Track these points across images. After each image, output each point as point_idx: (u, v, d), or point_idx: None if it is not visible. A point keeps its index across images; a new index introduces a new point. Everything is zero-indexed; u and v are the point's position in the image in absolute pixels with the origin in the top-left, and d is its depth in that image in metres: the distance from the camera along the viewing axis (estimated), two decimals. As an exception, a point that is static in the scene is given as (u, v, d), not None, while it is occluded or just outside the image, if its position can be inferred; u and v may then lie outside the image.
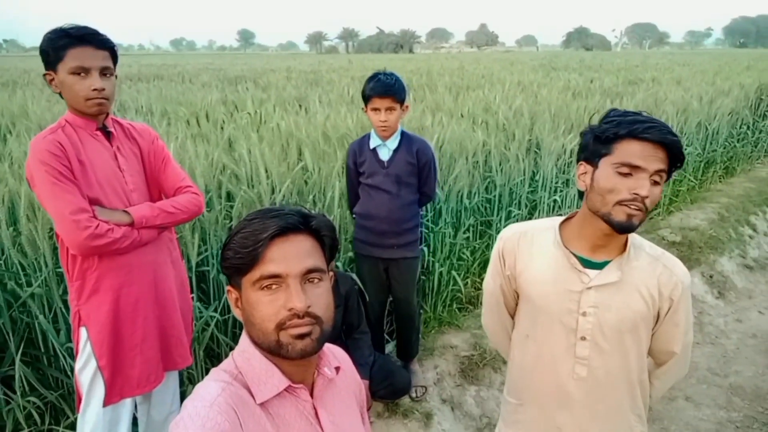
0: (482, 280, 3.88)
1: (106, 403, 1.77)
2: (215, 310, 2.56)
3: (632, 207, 1.21)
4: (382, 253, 2.59)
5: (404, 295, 2.71)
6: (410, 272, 2.67)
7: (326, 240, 0.97)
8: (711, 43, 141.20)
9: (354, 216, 2.69)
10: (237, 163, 3.04)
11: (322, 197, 2.91)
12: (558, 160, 4.23)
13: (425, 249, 3.34)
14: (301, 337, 0.89)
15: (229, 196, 2.85)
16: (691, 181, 5.94)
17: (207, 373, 2.45)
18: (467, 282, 3.65)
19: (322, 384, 1.00)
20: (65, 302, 2.28)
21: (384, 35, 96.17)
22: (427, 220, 3.42)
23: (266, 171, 2.78)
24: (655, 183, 1.22)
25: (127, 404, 1.85)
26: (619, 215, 1.23)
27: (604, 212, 1.26)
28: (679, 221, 5.16)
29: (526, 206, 4.11)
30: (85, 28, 1.69)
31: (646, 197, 1.20)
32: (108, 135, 1.80)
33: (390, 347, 3.06)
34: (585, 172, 1.32)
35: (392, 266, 2.64)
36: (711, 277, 4.55)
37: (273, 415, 0.92)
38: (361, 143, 2.60)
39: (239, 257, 0.91)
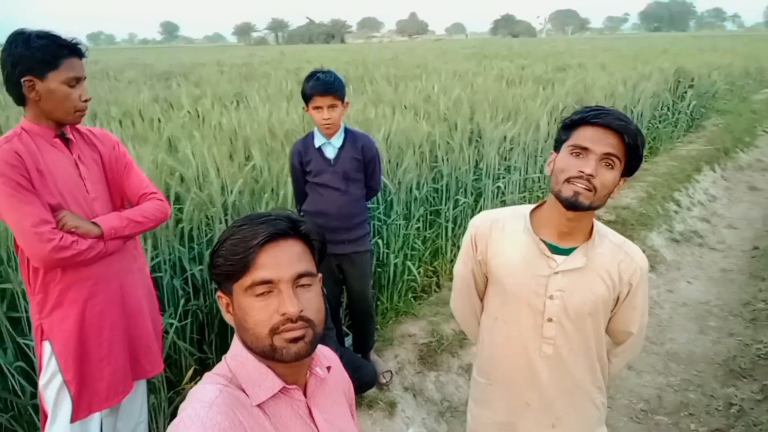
0: (434, 268, 4.01)
1: (74, 419, 1.71)
2: (171, 317, 2.50)
3: (578, 184, 1.30)
4: (335, 249, 2.61)
5: (359, 288, 2.76)
6: (363, 266, 2.72)
7: (315, 244, 0.99)
8: (628, 28, 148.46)
9: (303, 215, 2.71)
10: (183, 164, 2.96)
11: (275, 196, 2.88)
12: (499, 147, 4.37)
13: (380, 241, 3.39)
14: (295, 340, 0.91)
15: (178, 199, 2.77)
16: (621, 162, 6.27)
17: (168, 383, 2.43)
18: (420, 271, 3.73)
19: (314, 384, 1.02)
20: (10, 319, 2.17)
21: (314, 25, 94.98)
22: (379, 213, 3.46)
23: (216, 171, 2.72)
24: (608, 166, 1.31)
25: (95, 418, 1.80)
26: (567, 191, 1.32)
27: (557, 190, 1.35)
28: (613, 201, 5.45)
29: (472, 194, 4.22)
30: (68, 38, 1.67)
31: (591, 175, 1.29)
32: (67, 142, 1.73)
33: (348, 341, 3.10)
34: (551, 160, 1.42)
35: (345, 261, 2.67)
36: (643, 251, 4.85)
37: (270, 416, 0.94)
38: (305, 143, 2.61)
39: (230, 264, 0.92)
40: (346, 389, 1.16)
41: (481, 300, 1.67)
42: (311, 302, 0.94)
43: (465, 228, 4.16)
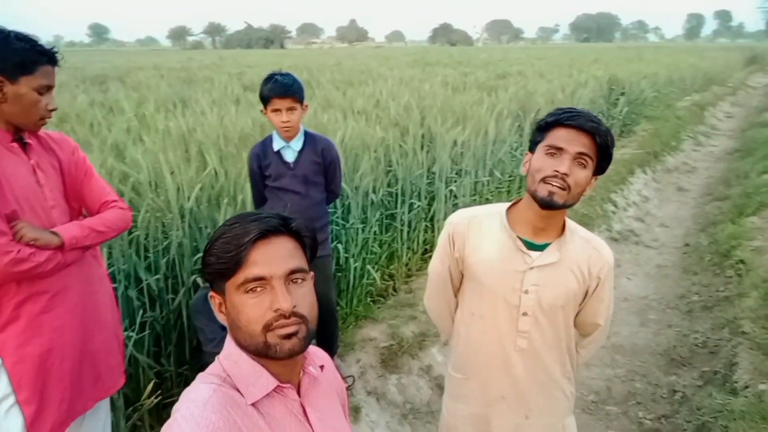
0: (391, 272, 4.04)
1: (30, 442, 1.61)
2: (127, 329, 2.41)
3: (553, 184, 1.37)
4: None
5: (323, 292, 2.69)
6: (325, 269, 2.70)
7: (306, 241, 1.00)
8: (559, 38, 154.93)
9: None
10: (134, 170, 2.86)
11: (233, 202, 2.83)
12: (451, 152, 4.46)
13: (339, 246, 3.38)
14: (288, 336, 0.91)
15: (131, 206, 2.67)
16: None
17: (128, 399, 2.33)
18: (377, 275, 3.75)
19: (308, 383, 1.02)
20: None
21: (253, 30, 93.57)
22: (338, 217, 3.45)
23: (172, 176, 2.64)
24: (581, 165, 1.38)
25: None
26: (542, 191, 1.38)
27: (533, 190, 1.41)
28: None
29: (426, 198, 4.29)
30: (46, 45, 1.61)
31: (566, 174, 1.36)
32: (24, 147, 1.64)
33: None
34: (527, 160, 1.48)
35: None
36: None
37: (264, 415, 0.94)
38: (264, 146, 2.58)
39: (222, 262, 0.92)
40: (338, 388, 1.17)
41: (456, 297, 1.72)
42: (304, 298, 0.94)
43: (419, 231, 4.25)
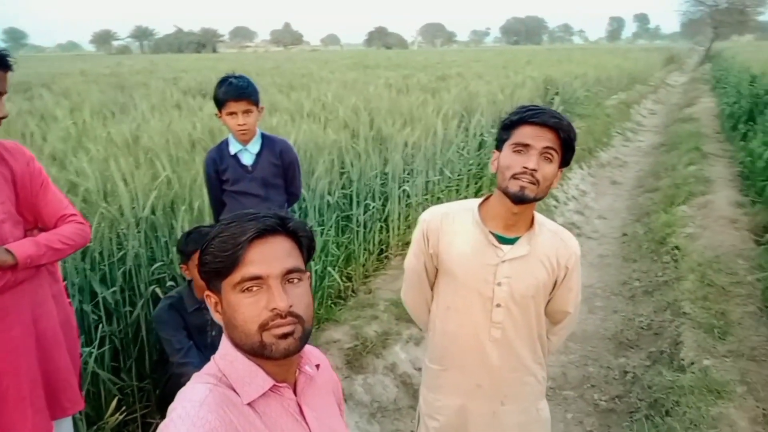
0: (348, 273, 4.04)
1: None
2: (85, 345, 2.30)
3: (523, 179, 1.43)
4: None
5: None
6: None
7: (304, 241, 0.99)
8: (490, 41, 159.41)
9: None
10: (81, 179, 2.73)
11: (190, 209, 2.76)
12: (403, 153, 4.52)
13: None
14: (284, 336, 0.91)
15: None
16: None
17: (89, 418, 2.22)
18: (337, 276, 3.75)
19: (304, 382, 1.02)
20: None
21: (183, 34, 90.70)
22: (296, 221, 3.42)
23: (125, 183, 2.54)
24: (547, 159, 1.44)
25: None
26: (513, 187, 1.44)
27: (504, 186, 1.47)
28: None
29: (380, 199, 4.33)
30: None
31: (534, 170, 1.42)
32: None
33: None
34: (495, 158, 1.53)
35: None
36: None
37: (261, 414, 0.93)
38: (220, 150, 2.54)
39: (219, 261, 0.92)
40: (334, 387, 1.17)
41: (431, 290, 1.76)
42: (300, 298, 0.94)
43: (375, 232, 4.28)
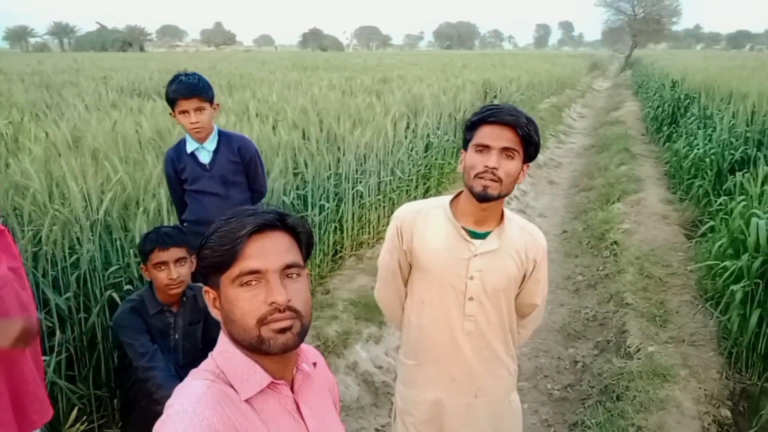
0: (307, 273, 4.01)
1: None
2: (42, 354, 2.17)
3: (486, 178, 1.48)
4: None
5: None
6: None
7: (302, 237, 1.00)
8: (424, 45, 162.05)
9: (184, 224, 2.57)
10: (26, 179, 2.57)
11: (145, 209, 2.66)
12: (355, 153, 4.54)
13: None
14: (283, 331, 0.91)
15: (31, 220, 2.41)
16: (450, 164, 6.91)
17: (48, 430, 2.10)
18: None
19: (301, 379, 1.02)
20: None
21: (107, 31, 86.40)
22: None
23: (76, 185, 2.42)
24: (509, 157, 1.49)
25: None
26: (477, 186, 1.49)
27: (469, 186, 1.52)
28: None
29: (334, 199, 4.32)
30: None
31: (495, 168, 1.47)
32: None
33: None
34: (462, 159, 1.58)
35: None
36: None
37: (258, 411, 0.93)
38: (178, 149, 2.49)
39: (218, 255, 0.92)
40: (330, 386, 1.17)
41: (405, 287, 1.78)
42: (299, 293, 0.94)
43: (329, 233, 4.27)
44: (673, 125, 8.26)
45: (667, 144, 7.80)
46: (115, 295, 2.44)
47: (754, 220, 2.73)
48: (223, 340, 0.97)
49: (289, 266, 0.94)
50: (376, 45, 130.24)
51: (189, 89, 2.31)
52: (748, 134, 4.78)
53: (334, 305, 3.72)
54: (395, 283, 1.76)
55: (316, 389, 1.07)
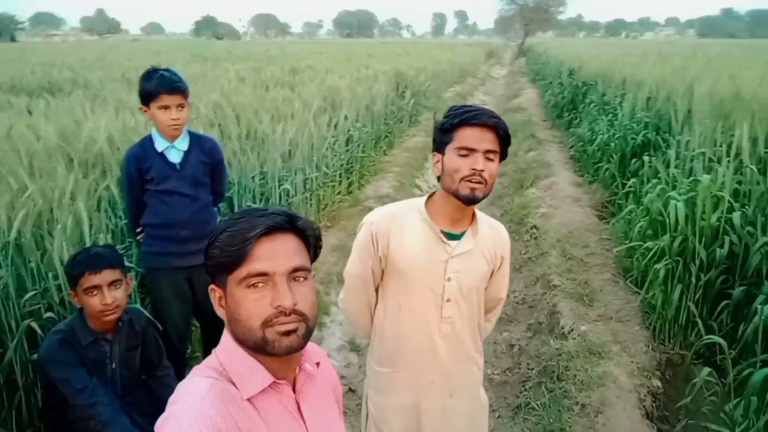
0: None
1: None
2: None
3: (473, 181, 1.48)
4: (186, 262, 2.41)
5: (211, 307, 2.58)
6: None
7: (311, 240, 1.00)
8: (324, 34, 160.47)
9: (141, 229, 2.47)
10: None
11: (62, 226, 2.39)
12: (281, 149, 4.39)
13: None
14: (287, 333, 0.92)
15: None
16: (371, 157, 6.90)
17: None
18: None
19: (303, 379, 1.02)
20: None
21: (-30, 19, 77.46)
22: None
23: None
24: (490, 160, 1.50)
25: None
26: (464, 190, 1.48)
27: (454, 189, 1.50)
28: (374, 191, 5.98)
29: (260, 200, 4.16)
30: None
31: (482, 171, 1.47)
32: None
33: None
34: (438, 161, 1.56)
35: (196, 274, 2.47)
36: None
37: (259, 410, 0.94)
38: (143, 147, 2.39)
39: (226, 255, 0.93)
40: (334, 385, 1.16)
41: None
42: (305, 296, 0.94)
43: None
44: (574, 111, 8.77)
45: (571, 129, 8.27)
46: (34, 324, 2.18)
47: (672, 202, 2.95)
48: (226, 338, 0.98)
49: (296, 269, 0.94)
50: (275, 33, 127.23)
51: (173, 85, 2.27)
52: (647, 119, 5.16)
53: (270, 310, 3.58)
54: (366, 291, 1.71)
55: (319, 389, 1.07)
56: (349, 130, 6.03)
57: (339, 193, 5.50)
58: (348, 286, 1.74)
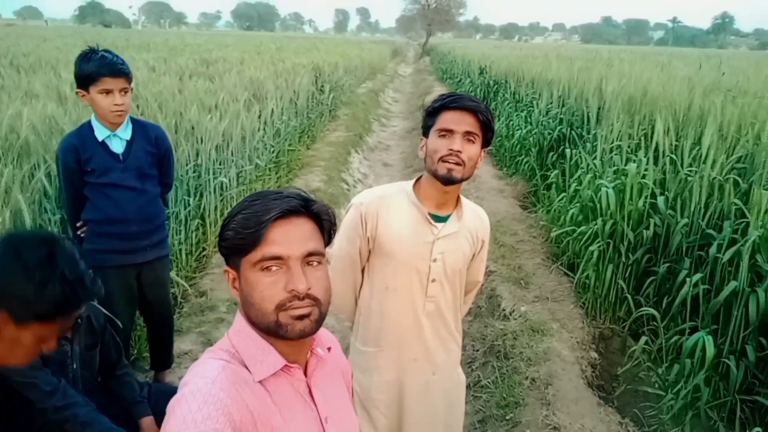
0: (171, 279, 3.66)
1: None
2: None
3: (450, 161, 1.55)
4: (135, 258, 2.31)
5: (161, 297, 2.53)
6: (164, 271, 2.51)
7: (326, 224, 1.00)
8: (222, 25, 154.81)
9: (82, 224, 2.30)
10: None
11: None
12: (215, 141, 4.24)
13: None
14: (301, 318, 0.92)
15: None
16: (293, 150, 6.81)
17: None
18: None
19: (315, 363, 1.03)
20: None
21: None
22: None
23: None
24: (470, 141, 1.57)
25: None
26: (442, 170, 1.56)
27: (433, 169, 1.58)
28: (305, 185, 5.93)
29: (194, 194, 4.00)
30: None
31: (459, 151, 1.55)
32: None
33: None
34: (423, 145, 1.64)
35: (146, 270, 2.38)
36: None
37: (271, 393, 0.94)
38: (82, 136, 2.21)
39: (241, 238, 0.92)
40: (344, 371, 1.18)
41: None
42: (319, 281, 0.95)
43: (192, 231, 3.95)
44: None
45: (485, 125, 8.63)
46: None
47: (603, 189, 3.23)
48: (239, 320, 0.97)
49: (311, 254, 0.94)
50: (169, 23, 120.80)
51: (116, 67, 2.11)
52: (561, 116, 5.56)
53: (215, 307, 3.48)
54: (353, 272, 1.74)
55: (330, 373, 1.08)
56: (275, 124, 5.93)
57: (270, 187, 5.40)
58: (334, 267, 1.75)
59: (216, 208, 4.22)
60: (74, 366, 1.93)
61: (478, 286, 1.93)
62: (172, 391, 2.33)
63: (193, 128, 4.23)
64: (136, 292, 2.41)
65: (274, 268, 0.91)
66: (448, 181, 1.55)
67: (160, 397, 2.21)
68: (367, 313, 1.76)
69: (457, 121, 1.53)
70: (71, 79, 5.80)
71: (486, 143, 1.64)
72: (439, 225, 1.66)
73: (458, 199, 1.71)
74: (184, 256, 3.76)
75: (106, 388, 2.10)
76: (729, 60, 9.93)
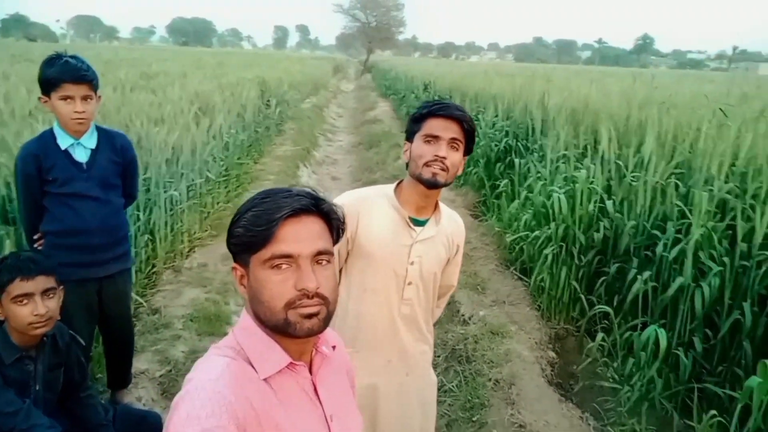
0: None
1: None
2: None
3: (435, 166, 1.60)
4: (97, 272, 2.23)
5: (122, 311, 2.45)
6: (125, 285, 2.44)
7: (335, 223, 1.01)
8: (156, 40, 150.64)
9: (40, 236, 2.21)
10: None
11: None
12: (165, 154, 4.12)
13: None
14: (309, 316, 0.93)
15: None
16: (242, 163, 6.71)
17: None
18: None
19: (319, 361, 1.04)
20: None
21: None
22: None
23: None
24: (454, 148, 1.64)
25: None
26: (426, 174, 1.61)
27: (417, 174, 1.62)
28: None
29: (144, 209, 3.86)
30: None
31: (444, 157, 1.61)
32: None
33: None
34: (407, 149, 1.68)
35: (107, 284, 2.30)
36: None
37: (276, 390, 0.95)
38: (44, 144, 2.13)
39: (251, 235, 0.92)
40: (348, 369, 1.20)
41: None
42: (328, 280, 0.96)
43: (142, 247, 3.81)
44: (432, 122, 9.35)
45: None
46: None
47: (555, 195, 3.37)
48: (245, 317, 0.97)
49: (320, 253, 0.94)
50: (99, 37, 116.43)
51: (78, 73, 2.03)
52: (507, 128, 5.76)
53: (170, 324, 3.36)
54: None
55: (334, 372, 1.09)
56: (224, 137, 5.83)
57: (219, 201, 5.29)
58: None
59: (166, 223, 4.10)
60: (37, 387, 1.83)
61: (452, 290, 1.97)
62: (138, 414, 2.26)
63: (139, 141, 4.10)
64: (96, 307, 2.31)
65: (284, 266, 0.91)
66: (432, 185, 1.59)
67: (125, 420, 2.12)
68: (343, 314, 1.76)
69: (443, 128, 1.59)
70: (5, 92, 5.52)
71: (468, 151, 1.70)
72: (418, 229, 1.69)
73: (437, 204, 1.75)
74: (133, 273, 3.61)
75: (69, 411, 1.99)
76: (655, 78, 10.63)
